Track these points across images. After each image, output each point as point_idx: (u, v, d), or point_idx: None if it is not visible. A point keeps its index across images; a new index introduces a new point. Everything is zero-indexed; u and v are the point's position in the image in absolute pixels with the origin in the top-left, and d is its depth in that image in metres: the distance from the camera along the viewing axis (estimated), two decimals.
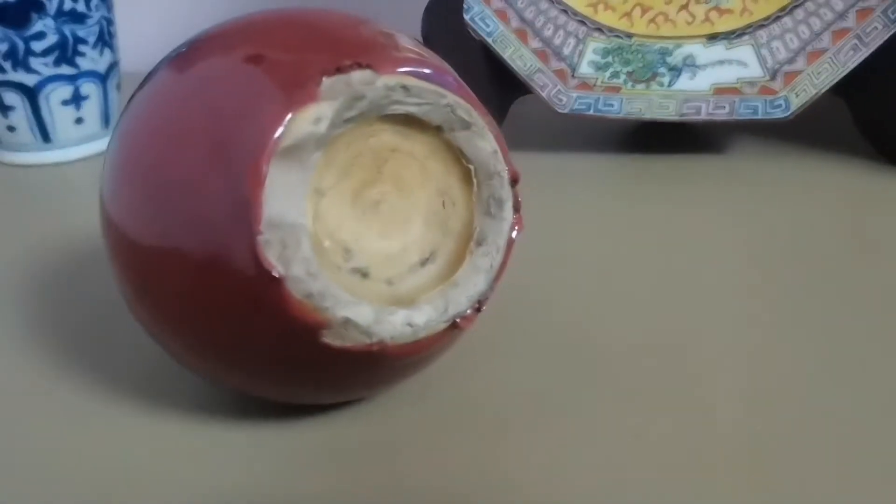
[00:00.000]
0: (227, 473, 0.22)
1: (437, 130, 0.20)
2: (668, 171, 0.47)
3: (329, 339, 0.20)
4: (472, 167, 0.21)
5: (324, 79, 0.19)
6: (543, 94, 0.49)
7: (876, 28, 0.44)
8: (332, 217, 0.20)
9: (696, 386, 0.26)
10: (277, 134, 0.18)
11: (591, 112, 0.48)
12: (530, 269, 0.35)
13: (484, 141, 0.21)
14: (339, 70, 0.19)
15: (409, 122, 0.20)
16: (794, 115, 0.46)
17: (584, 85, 0.49)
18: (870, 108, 0.47)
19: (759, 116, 0.46)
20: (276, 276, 0.18)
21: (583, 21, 0.49)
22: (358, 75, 0.19)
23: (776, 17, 0.47)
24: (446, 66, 0.21)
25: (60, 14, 0.50)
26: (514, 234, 0.22)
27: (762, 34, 0.47)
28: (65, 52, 0.51)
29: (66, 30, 0.51)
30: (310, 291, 0.19)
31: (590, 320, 0.30)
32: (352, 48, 0.20)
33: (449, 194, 0.21)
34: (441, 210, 0.21)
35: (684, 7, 0.48)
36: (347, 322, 0.19)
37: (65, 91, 0.52)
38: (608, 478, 0.22)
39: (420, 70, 0.20)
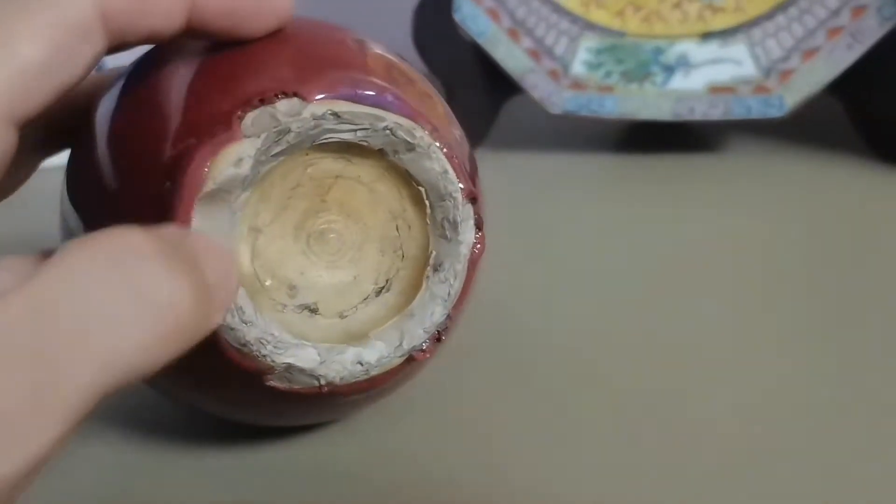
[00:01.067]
0: (210, 496, 0.22)
1: (380, 154, 0.19)
2: (663, 171, 0.46)
3: (275, 382, 0.19)
4: (422, 189, 0.20)
5: (247, 114, 0.18)
6: (536, 94, 0.49)
7: (870, 26, 0.44)
8: (272, 254, 0.19)
9: (692, 386, 0.25)
10: (199, 179, 0.17)
11: (585, 112, 0.48)
12: (523, 270, 0.34)
13: (431, 161, 0.19)
14: (263, 101, 0.18)
15: (350, 147, 0.19)
16: (788, 114, 0.45)
17: (577, 84, 0.48)
18: (865, 106, 0.46)
19: (754, 115, 0.46)
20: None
21: (575, 20, 0.49)
22: (284, 105, 0.18)
23: (770, 15, 0.46)
24: (395, 81, 0.20)
25: None
26: (476, 254, 0.21)
27: (756, 32, 0.47)
28: None
29: None
30: (245, 340, 0.18)
31: (583, 322, 0.30)
32: (281, 72, 0.18)
33: (403, 217, 0.20)
34: (395, 235, 0.20)
35: (677, 5, 0.48)
36: (291, 367, 0.19)
37: None
38: (597, 485, 0.21)
39: (355, 92, 0.19)
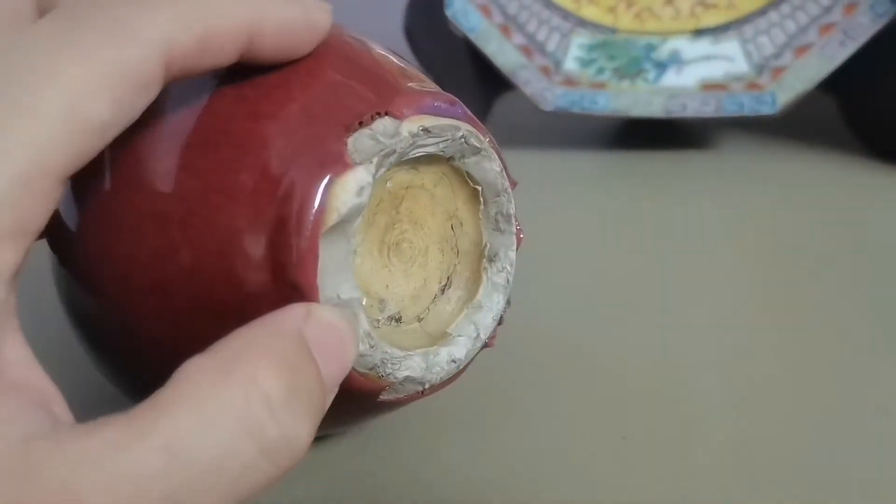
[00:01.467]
0: None
1: (447, 160, 0.20)
2: (655, 168, 0.46)
3: (385, 396, 0.19)
4: (479, 188, 0.20)
5: (349, 138, 0.17)
6: (527, 91, 0.48)
7: (863, 23, 0.44)
8: (364, 272, 0.19)
9: (685, 381, 0.25)
10: (321, 214, 0.16)
11: (577, 109, 0.48)
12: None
13: (491, 162, 0.20)
14: (361, 124, 0.17)
15: (420, 157, 0.19)
16: (780, 111, 0.45)
17: (569, 81, 0.48)
18: (858, 103, 0.46)
19: (746, 112, 0.46)
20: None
21: (567, 16, 0.49)
22: (380, 126, 0.17)
23: (762, 12, 0.46)
24: (448, 93, 0.20)
25: None
26: (520, 241, 0.21)
27: (748, 29, 0.46)
28: None
29: None
30: (373, 364, 0.18)
31: (577, 320, 0.30)
32: (362, 93, 0.18)
33: (456, 216, 0.21)
34: (451, 234, 0.21)
35: (669, 2, 0.48)
36: (406, 379, 0.19)
37: None
38: (595, 481, 0.21)
39: (434, 105, 0.19)
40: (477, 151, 0.20)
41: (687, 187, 0.43)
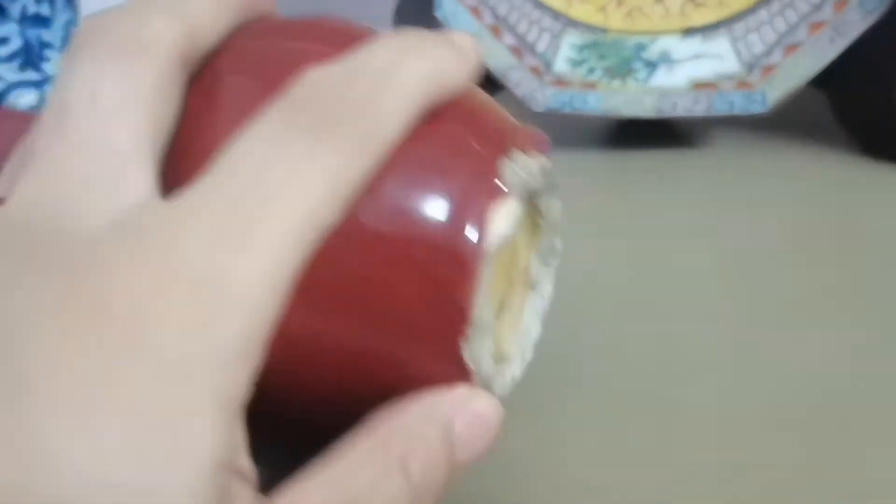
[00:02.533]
0: None
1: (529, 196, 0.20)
2: (647, 167, 0.46)
3: None
4: (541, 221, 0.20)
5: (503, 169, 0.17)
6: (518, 92, 0.48)
7: (853, 20, 0.44)
8: None
9: (678, 376, 0.25)
10: (484, 238, 0.17)
11: (568, 109, 0.48)
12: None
13: (558, 200, 0.20)
14: (508, 157, 0.18)
15: None
16: (771, 109, 0.45)
17: (560, 81, 0.48)
18: (849, 100, 0.46)
19: (737, 111, 0.46)
20: (469, 372, 0.17)
21: (557, 16, 0.49)
22: (520, 160, 0.18)
23: (752, 10, 0.46)
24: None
25: (24, 18, 0.49)
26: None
27: (738, 27, 0.46)
28: (30, 56, 0.50)
29: (31, 34, 0.50)
30: (491, 384, 0.18)
31: (568, 320, 0.30)
32: (502, 125, 0.18)
33: (515, 246, 0.21)
34: (508, 260, 0.21)
35: (659, 1, 0.48)
36: (498, 397, 0.19)
37: (31, 97, 0.51)
38: (592, 478, 0.21)
39: (546, 144, 0.19)
40: (553, 189, 0.20)
41: (679, 186, 0.43)
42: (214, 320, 0.13)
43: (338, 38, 0.18)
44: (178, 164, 0.17)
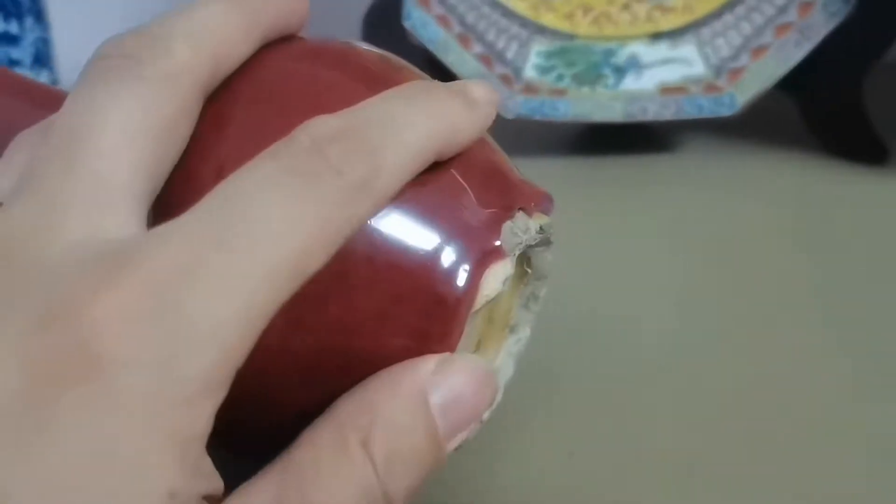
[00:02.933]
0: None
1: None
2: (619, 173, 0.46)
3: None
4: (529, 271, 0.21)
5: (502, 228, 0.17)
6: None
7: (817, 22, 0.44)
8: None
9: (649, 381, 0.25)
10: (473, 295, 0.17)
11: (538, 116, 0.48)
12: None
13: (551, 253, 0.20)
14: (509, 217, 0.18)
15: None
16: (740, 112, 0.45)
17: (530, 88, 0.48)
18: (816, 102, 0.47)
19: (706, 114, 0.46)
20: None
21: (525, 23, 0.49)
22: (521, 221, 0.18)
23: (718, 14, 0.46)
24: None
25: None
26: None
27: (705, 32, 0.47)
28: None
29: (0, 52, 0.49)
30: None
31: (540, 326, 0.29)
32: (510, 182, 0.18)
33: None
34: (491, 305, 0.21)
35: (626, 6, 0.48)
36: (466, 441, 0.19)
37: None
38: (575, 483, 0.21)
39: (549, 204, 0.20)
40: (548, 245, 0.20)
41: (650, 190, 0.43)
42: (178, 357, 0.13)
43: (358, 73, 0.18)
44: (177, 190, 0.17)
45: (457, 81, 0.18)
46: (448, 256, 0.17)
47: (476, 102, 0.18)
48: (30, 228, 0.14)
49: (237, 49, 0.17)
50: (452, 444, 0.16)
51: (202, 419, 0.13)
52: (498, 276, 0.17)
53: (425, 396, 0.16)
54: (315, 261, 0.14)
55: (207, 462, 0.14)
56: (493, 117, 0.18)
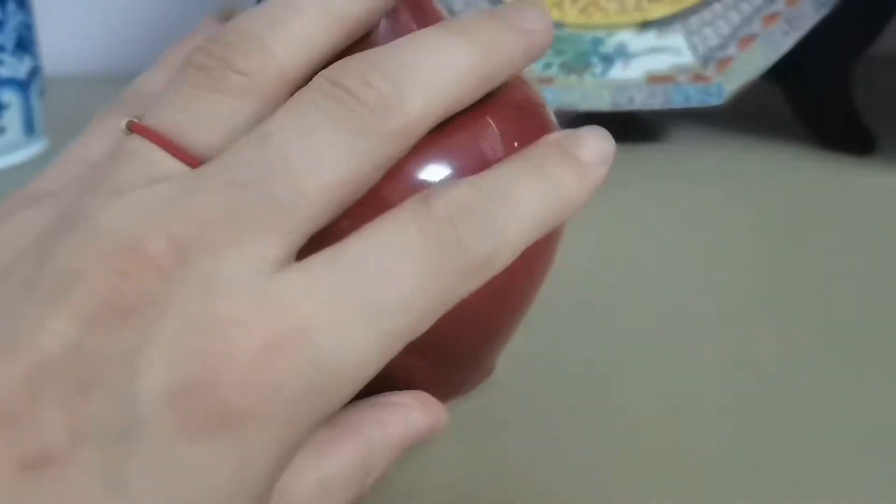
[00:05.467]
0: None
1: None
2: None
3: None
4: None
5: None
6: None
7: (806, 12, 0.44)
8: None
9: (637, 373, 0.25)
10: None
11: None
12: None
13: None
14: None
15: None
16: (727, 102, 0.45)
17: None
18: (804, 92, 0.47)
19: (693, 104, 0.46)
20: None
21: None
22: None
23: (706, 4, 0.46)
24: None
25: None
26: None
27: (693, 21, 0.46)
28: None
29: None
30: None
31: (529, 318, 0.29)
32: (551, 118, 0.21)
33: None
34: None
35: None
36: None
37: None
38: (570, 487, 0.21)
39: None
40: None
41: (637, 179, 0.43)
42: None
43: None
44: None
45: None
46: None
47: (588, 168, 0.19)
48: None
49: (468, 100, 0.17)
50: None
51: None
52: None
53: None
54: (424, 327, 0.16)
55: None
56: (603, 180, 0.19)
